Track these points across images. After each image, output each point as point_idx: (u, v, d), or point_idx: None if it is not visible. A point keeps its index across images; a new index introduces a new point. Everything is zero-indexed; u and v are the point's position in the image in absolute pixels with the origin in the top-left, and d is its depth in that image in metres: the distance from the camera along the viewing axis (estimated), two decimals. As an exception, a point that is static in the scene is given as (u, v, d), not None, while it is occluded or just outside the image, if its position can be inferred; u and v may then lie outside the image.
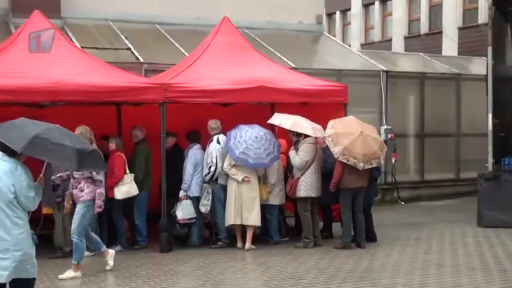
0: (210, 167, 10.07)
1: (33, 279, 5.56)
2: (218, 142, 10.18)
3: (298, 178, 10.13)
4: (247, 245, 10.06)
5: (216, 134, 10.30)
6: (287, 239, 10.70)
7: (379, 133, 13.32)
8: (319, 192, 10.25)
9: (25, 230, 5.37)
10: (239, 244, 10.15)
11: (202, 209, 10.18)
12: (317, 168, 10.21)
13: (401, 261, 9.24)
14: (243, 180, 9.97)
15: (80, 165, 5.55)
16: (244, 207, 10.01)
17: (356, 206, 10.13)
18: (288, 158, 10.43)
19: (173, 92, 9.96)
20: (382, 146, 10.25)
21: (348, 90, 11.18)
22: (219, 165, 10.05)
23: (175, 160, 10.30)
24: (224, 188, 10.16)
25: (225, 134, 10.22)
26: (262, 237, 10.51)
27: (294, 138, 10.24)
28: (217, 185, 10.19)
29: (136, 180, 9.94)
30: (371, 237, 10.54)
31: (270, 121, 10.37)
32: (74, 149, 5.38)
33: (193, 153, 10.32)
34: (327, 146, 10.04)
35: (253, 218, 10.07)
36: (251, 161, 9.93)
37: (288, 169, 10.51)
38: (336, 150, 9.80)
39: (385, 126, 15.19)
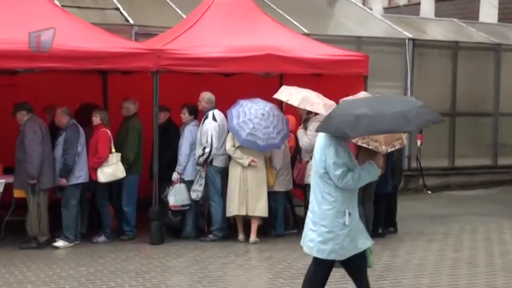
0: (204, 148, 9.96)
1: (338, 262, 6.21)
2: (214, 119, 10.07)
3: (307, 162, 9.98)
4: (252, 237, 10.02)
5: (211, 109, 10.21)
6: (295, 231, 10.60)
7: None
8: None
9: (334, 207, 5.95)
10: (241, 236, 10.11)
11: (193, 195, 10.08)
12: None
13: (426, 259, 9.23)
14: (249, 164, 9.91)
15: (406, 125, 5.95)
16: (250, 196, 9.95)
17: (366, 195, 10.02)
18: (296, 138, 10.36)
19: (168, 60, 9.90)
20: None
21: (368, 60, 11.10)
22: (215, 145, 9.97)
23: (168, 138, 10.26)
24: (221, 171, 10.10)
25: (223, 112, 10.12)
26: (266, 228, 10.48)
27: (304, 116, 10.15)
28: (211, 167, 10.07)
29: (127, 161, 9.89)
30: (391, 226, 10.67)
31: (276, 96, 10.26)
32: (393, 112, 5.80)
33: (189, 130, 10.23)
34: None
35: (261, 208, 10.03)
36: (261, 143, 9.85)
37: (297, 151, 10.44)
38: (354, 134, 9.71)
39: (410, 103, 15.09)
